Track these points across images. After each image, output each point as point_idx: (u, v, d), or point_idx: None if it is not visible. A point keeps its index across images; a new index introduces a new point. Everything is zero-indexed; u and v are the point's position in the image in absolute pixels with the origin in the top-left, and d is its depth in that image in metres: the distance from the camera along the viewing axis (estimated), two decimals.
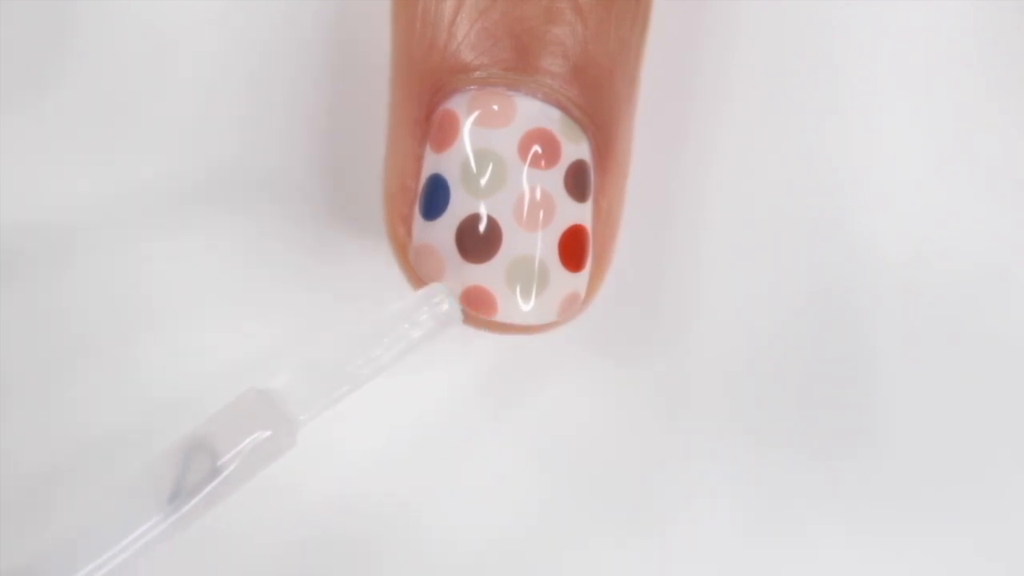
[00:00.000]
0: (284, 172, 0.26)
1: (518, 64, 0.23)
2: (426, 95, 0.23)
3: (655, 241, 0.27)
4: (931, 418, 0.27)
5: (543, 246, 0.23)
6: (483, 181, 0.23)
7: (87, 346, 0.26)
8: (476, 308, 0.23)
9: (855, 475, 0.26)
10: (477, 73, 0.23)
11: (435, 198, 0.23)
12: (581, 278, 0.23)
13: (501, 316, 0.23)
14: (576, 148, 0.23)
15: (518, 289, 0.23)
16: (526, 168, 0.23)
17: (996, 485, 0.27)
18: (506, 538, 0.26)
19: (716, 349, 0.27)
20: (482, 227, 0.23)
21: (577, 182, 0.23)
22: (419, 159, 0.24)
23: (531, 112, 0.23)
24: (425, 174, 0.23)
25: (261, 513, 0.26)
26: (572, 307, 0.24)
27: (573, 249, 0.23)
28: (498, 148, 0.23)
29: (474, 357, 0.26)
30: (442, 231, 0.23)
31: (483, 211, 0.23)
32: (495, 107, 0.23)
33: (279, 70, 0.27)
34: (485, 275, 0.23)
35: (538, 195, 0.23)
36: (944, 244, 0.27)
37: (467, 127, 0.23)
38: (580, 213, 0.23)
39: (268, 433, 0.22)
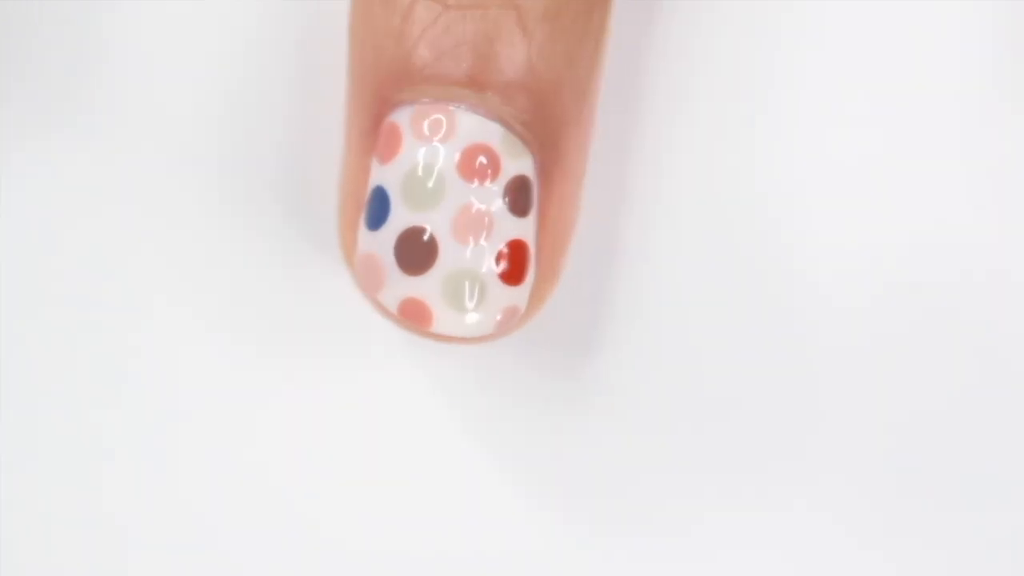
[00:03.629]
0: (283, 174, 0.27)
1: (462, 79, 0.23)
2: (374, 107, 0.24)
3: (610, 242, 0.26)
4: (929, 419, 0.26)
5: (481, 260, 0.23)
6: (422, 194, 0.23)
7: (83, 344, 0.27)
8: (412, 320, 0.23)
9: (844, 476, 0.26)
10: (421, 86, 0.23)
11: (377, 209, 0.24)
12: (520, 292, 0.24)
13: (436, 328, 0.23)
14: (517, 163, 0.23)
15: (454, 303, 0.23)
16: (466, 183, 0.23)
17: (996, 486, 0.26)
18: (479, 547, 0.26)
19: (683, 350, 0.26)
20: (420, 240, 0.23)
21: (517, 197, 0.23)
22: (367, 169, 0.24)
23: (472, 127, 0.23)
24: (371, 185, 0.24)
25: (251, 516, 0.26)
26: (511, 321, 0.24)
27: (512, 263, 0.23)
28: (438, 162, 0.23)
29: (434, 366, 0.26)
30: (382, 242, 0.23)
31: (421, 224, 0.23)
32: (437, 121, 0.23)
33: (280, 71, 0.27)
34: (421, 288, 0.23)
35: (477, 209, 0.23)
36: (942, 244, 0.27)
37: (409, 140, 0.23)
38: (520, 228, 0.23)
39: None
